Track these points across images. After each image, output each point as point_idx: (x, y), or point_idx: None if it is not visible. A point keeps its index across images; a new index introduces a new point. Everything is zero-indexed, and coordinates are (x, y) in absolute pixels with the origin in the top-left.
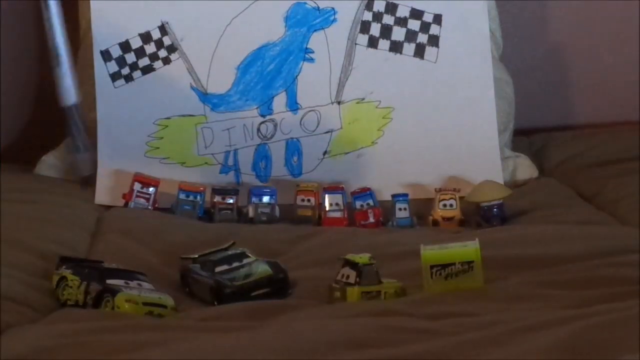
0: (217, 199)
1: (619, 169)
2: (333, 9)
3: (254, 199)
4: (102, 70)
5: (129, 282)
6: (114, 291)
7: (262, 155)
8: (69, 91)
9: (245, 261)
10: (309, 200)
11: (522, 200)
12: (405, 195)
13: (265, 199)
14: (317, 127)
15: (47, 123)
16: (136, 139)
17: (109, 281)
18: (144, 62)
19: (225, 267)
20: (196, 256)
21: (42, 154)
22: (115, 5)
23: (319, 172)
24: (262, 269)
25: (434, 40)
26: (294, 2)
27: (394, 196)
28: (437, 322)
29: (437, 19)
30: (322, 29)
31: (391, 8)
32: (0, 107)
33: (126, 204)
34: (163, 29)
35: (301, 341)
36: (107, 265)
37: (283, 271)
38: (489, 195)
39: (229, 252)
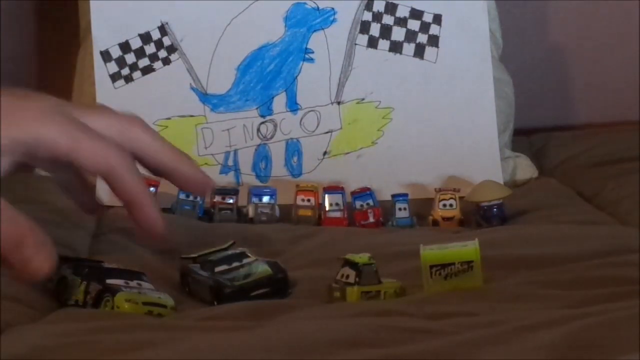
0: (217, 199)
1: (619, 169)
2: (333, 9)
3: (254, 199)
4: (102, 70)
5: (129, 281)
6: (113, 291)
7: (262, 156)
8: None
9: (245, 261)
10: (309, 200)
11: (522, 200)
12: (405, 195)
13: (265, 199)
14: (317, 127)
15: None
16: None
17: (108, 281)
18: (144, 62)
19: (225, 267)
20: (196, 256)
21: None
22: (115, 5)
23: (319, 172)
24: (262, 269)
25: (433, 40)
26: (294, 2)
27: (393, 196)
28: (437, 322)
29: (437, 19)
30: (322, 29)
31: (391, 8)
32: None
33: None
34: (163, 29)
35: (301, 341)
36: (107, 265)
37: (283, 271)
38: (489, 195)
39: (229, 252)
